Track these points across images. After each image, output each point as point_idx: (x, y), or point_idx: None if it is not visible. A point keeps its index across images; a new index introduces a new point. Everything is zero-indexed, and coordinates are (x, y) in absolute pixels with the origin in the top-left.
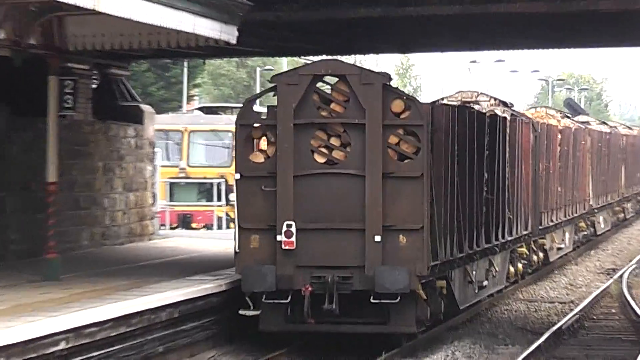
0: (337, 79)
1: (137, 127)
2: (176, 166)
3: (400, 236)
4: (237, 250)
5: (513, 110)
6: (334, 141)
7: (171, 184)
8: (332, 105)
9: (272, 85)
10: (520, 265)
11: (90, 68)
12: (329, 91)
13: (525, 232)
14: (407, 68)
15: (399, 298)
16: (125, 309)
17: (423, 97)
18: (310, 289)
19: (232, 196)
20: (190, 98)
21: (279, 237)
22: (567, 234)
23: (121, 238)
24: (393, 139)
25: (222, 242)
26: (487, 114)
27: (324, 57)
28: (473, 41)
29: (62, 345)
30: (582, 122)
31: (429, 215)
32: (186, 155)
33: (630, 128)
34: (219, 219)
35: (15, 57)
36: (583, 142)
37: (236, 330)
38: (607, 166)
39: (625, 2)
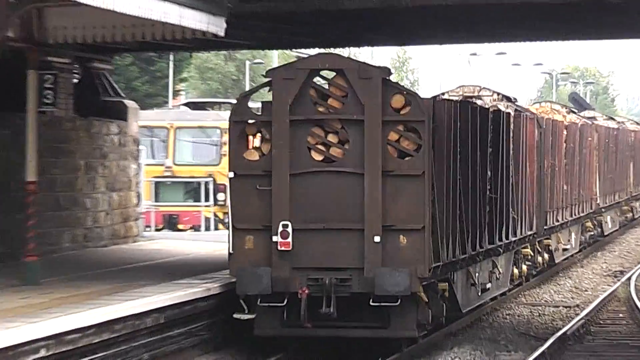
0: (334, 74)
1: (120, 124)
2: (162, 164)
3: (401, 237)
4: (231, 251)
5: (517, 106)
6: (332, 138)
7: (156, 184)
8: (330, 101)
9: (267, 79)
10: (524, 267)
11: (72, 62)
12: (326, 86)
13: (529, 233)
14: (404, 61)
15: (399, 301)
16: (109, 314)
17: (421, 91)
18: (307, 291)
19: (221, 196)
20: (176, 93)
21: (274, 238)
22: (573, 234)
23: (104, 240)
24: (393, 136)
25: (210, 244)
26: (490, 110)
27: (317, 50)
28: (473, 33)
29: (43, 353)
30: (589, 118)
31: (431, 215)
32: (172, 153)
33: (638, 124)
34: (207, 220)
35: None
36: (590, 139)
37: (229, 335)
38: (614, 163)
39: None
